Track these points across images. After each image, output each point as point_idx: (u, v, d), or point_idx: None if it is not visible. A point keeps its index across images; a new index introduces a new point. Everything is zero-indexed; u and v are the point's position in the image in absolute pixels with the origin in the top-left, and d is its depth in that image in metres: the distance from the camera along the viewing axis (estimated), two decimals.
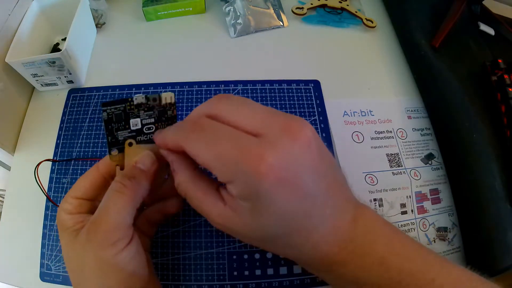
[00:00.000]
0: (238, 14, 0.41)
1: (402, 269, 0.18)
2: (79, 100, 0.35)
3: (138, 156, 0.21)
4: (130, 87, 0.36)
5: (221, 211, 0.19)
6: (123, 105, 0.20)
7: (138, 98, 0.20)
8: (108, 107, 0.20)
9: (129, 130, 0.21)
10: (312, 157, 0.18)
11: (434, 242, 0.30)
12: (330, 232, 0.19)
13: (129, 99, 0.20)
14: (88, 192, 0.22)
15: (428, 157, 0.34)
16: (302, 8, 0.42)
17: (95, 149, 0.32)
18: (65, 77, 0.34)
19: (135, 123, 0.21)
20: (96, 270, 0.19)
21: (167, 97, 0.21)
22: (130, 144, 0.21)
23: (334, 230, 0.19)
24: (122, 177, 0.20)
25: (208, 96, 0.35)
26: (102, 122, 0.34)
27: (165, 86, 0.36)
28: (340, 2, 0.42)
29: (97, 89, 0.36)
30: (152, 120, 0.21)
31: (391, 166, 0.33)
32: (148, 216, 0.25)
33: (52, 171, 0.32)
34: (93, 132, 0.33)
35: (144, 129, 0.21)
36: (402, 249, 0.19)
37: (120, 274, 0.19)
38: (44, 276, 0.28)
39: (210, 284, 0.27)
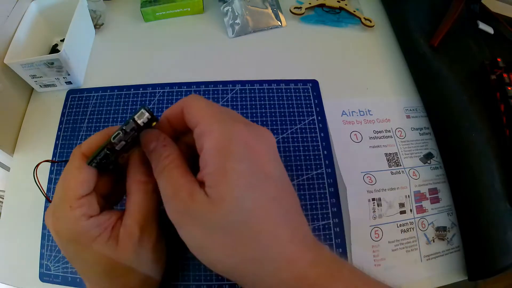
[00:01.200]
0: (236, 14, 0.41)
1: None
2: (78, 101, 0.35)
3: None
4: (128, 87, 0.36)
5: (192, 186, 0.17)
6: (105, 149, 0.19)
7: (117, 138, 0.19)
8: (94, 160, 0.19)
9: (118, 152, 0.20)
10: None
11: (433, 241, 0.30)
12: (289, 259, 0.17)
13: (108, 141, 0.19)
14: (88, 183, 0.20)
15: (427, 157, 0.34)
16: (300, 7, 0.42)
17: None
18: (63, 78, 0.34)
19: (120, 146, 0.20)
20: (150, 263, 0.20)
21: (142, 117, 0.19)
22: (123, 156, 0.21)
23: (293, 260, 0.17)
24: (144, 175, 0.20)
25: (207, 96, 0.35)
26: (100, 123, 0.34)
27: (163, 86, 0.36)
28: (338, 1, 0.42)
29: (96, 89, 0.36)
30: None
31: (389, 166, 0.33)
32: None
33: (51, 172, 0.32)
34: (92, 132, 0.33)
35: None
36: None
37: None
38: (44, 277, 0.28)
39: (208, 284, 0.27)
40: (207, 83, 0.36)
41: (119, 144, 0.19)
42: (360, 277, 0.18)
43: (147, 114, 0.19)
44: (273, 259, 0.17)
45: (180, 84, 0.36)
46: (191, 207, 0.17)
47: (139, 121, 0.19)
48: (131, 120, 0.19)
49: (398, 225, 0.30)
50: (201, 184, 0.17)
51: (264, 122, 0.34)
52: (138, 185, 0.20)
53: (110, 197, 0.22)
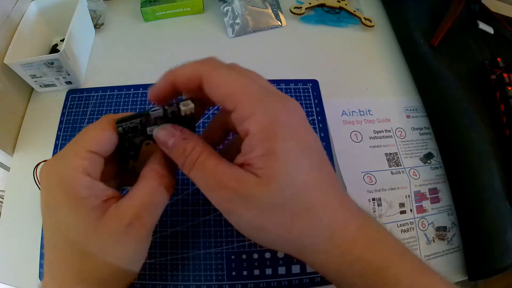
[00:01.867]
0: (236, 14, 0.41)
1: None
2: (78, 100, 0.35)
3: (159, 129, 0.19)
4: (128, 87, 0.36)
5: (236, 171, 0.17)
6: (139, 119, 0.19)
7: (156, 112, 0.18)
8: (123, 123, 0.18)
9: (146, 135, 0.20)
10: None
11: (433, 241, 0.30)
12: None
13: (146, 113, 0.19)
14: (105, 146, 0.18)
15: (427, 157, 0.34)
16: (300, 7, 0.42)
17: None
18: (63, 78, 0.34)
19: (151, 130, 0.19)
20: (124, 260, 0.18)
21: (187, 110, 0.18)
22: (147, 144, 0.20)
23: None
24: (161, 167, 0.19)
25: None
26: None
27: None
28: (338, 1, 0.42)
29: (96, 89, 0.36)
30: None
31: (390, 166, 0.33)
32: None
33: None
34: None
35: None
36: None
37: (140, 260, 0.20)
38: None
39: (208, 284, 0.27)
40: None
41: (152, 124, 0.19)
42: (402, 247, 0.19)
43: (192, 105, 0.18)
44: (327, 226, 0.18)
45: None
46: (242, 192, 0.17)
47: (183, 108, 0.18)
48: (175, 104, 0.18)
49: (398, 225, 0.30)
50: (245, 166, 0.17)
51: None
52: (154, 173, 0.19)
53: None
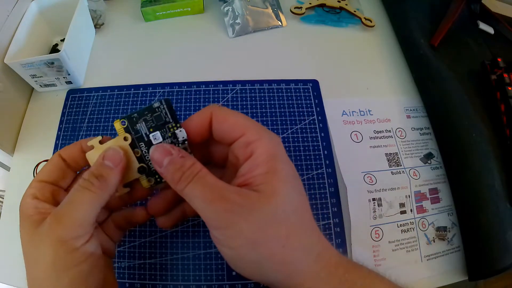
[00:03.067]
0: (237, 14, 0.41)
1: None
2: (78, 100, 0.35)
3: (105, 151, 0.20)
4: (128, 87, 0.36)
5: (237, 187, 0.19)
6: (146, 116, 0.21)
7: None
8: (127, 118, 0.21)
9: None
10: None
11: (434, 241, 0.30)
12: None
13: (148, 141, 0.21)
14: (51, 174, 0.21)
15: (427, 157, 0.34)
16: (301, 7, 0.42)
17: None
18: (64, 77, 0.34)
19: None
20: (51, 266, 0.18)
21: (181, 135, 0.21)
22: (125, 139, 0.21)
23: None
24: (89, 175, 0.20)
25: (207, 96, 0.35)
26: (100, 122, 0.34)
27: (163, 86, 0.36)
28: (338, 1, 0.42)
29: (96, 89, 0.36)
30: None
31: (390, 166, 0.33)
32: (115, 221, 0.24)
33: None
34: (92, 132, 0.33)
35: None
36: None
37: (73, 272, 0.18)
38: None
39: (209, 284, 0.27)
40: (207, 83, 0.36)
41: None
42: (376, 270, 0.20)
43: (184, 135, 0.21)
44: (315, 246, 0.19)
45: (180, 84, 0.36)
46: (244, 204, 0.18)
47: (180, 137, 0.21)
48: (175, 130, 0.21)
49: (399, 225, 0.30)
50: (243, 187, 0.19)
51: (265, 122, 0.34)
52: (80, 179, 0.20)
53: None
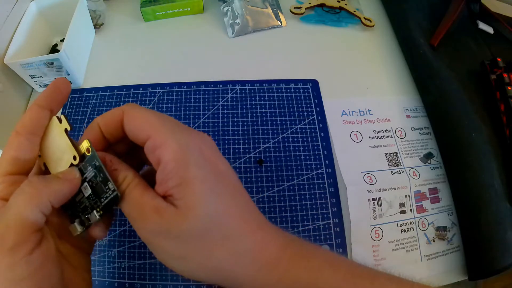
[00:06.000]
0: (236, 14, 0.41)
1: None
2: (78, 101, 0.35)
3: (63, 169, 0.18)
4: (128, 87, 0.36)
5: (157, 203, 0.17)
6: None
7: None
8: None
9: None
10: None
11: (433, 241, 0.30)
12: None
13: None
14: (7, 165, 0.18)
15: (427, 156, 0.34)
16: (300, 7, 0.42)
17: None
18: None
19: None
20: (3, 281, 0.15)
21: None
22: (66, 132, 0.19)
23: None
24: (31, 174, 0.18)
25: (207, 96, 0.35)
26: None
27: (163, 86, 0.36)
28: (338, 1, 0.42)
29: (96, 89, 0.36)
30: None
31: (390, 166, 0.33)
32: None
33: None
34: None
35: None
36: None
37: (26, 284, 0.15)
38: None
39: (209, 284, 0.27)
40: (207, 83, 0.36)
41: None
42: (332, 255, 0.19)
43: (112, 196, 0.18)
44: (247, 251, 0.18)
45: (180, 84, 0.36)
46: (161, 223, 0.17)
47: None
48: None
49: (398, 225, 0.30)
50: (166, 197, 0.17)
51: (264, 122, 0.34)
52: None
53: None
